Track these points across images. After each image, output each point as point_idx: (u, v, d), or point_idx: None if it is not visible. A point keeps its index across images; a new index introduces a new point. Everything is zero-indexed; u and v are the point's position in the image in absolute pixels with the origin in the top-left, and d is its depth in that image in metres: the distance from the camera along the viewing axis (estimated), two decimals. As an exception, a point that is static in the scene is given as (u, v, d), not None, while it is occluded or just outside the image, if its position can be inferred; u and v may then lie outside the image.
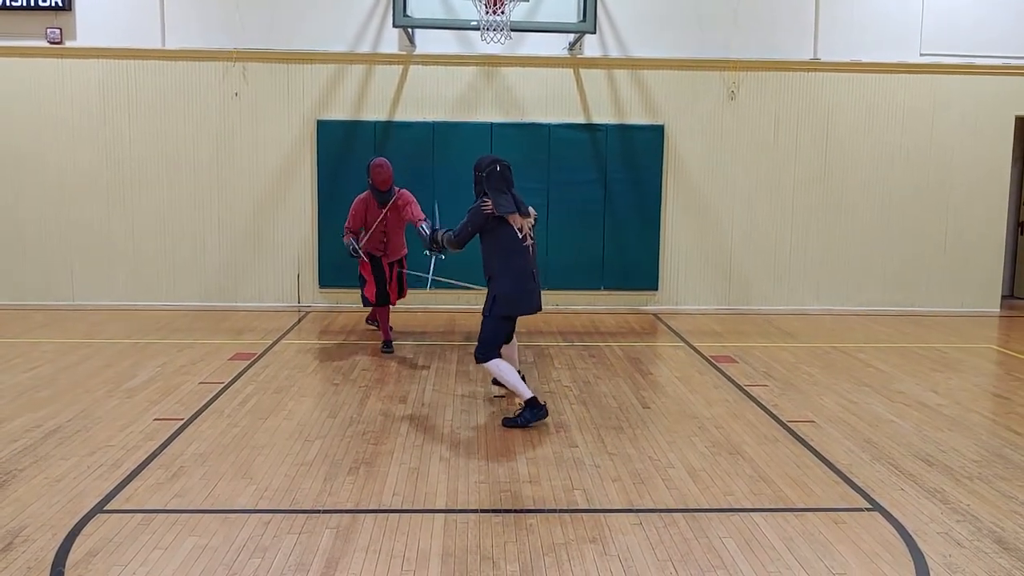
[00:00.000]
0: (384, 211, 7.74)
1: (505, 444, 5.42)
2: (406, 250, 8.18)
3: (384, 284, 7.91)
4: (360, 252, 7.75)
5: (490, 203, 5.82)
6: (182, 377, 6.99)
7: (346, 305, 10.27)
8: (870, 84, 10.50)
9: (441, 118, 10.23)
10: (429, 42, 10.12)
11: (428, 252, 6.68)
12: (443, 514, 4.32)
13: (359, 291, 8.18)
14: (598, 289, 10.59)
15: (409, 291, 8.42)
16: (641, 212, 10.44)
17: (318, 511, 4.33)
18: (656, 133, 10.37)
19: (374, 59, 10.20)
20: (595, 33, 9.71)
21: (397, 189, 7.77)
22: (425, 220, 7.26)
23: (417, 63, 10.23)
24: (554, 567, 3.77)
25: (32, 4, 9.83)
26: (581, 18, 9.18)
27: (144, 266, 10.31)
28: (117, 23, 9.99)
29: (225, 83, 10.14)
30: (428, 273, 7.28)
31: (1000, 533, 4.20)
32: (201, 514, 4.28)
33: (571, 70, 10.35)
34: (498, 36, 8.72)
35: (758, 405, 6.41)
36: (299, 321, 9.59)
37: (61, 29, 9.95)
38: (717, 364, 7.74)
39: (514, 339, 6.38)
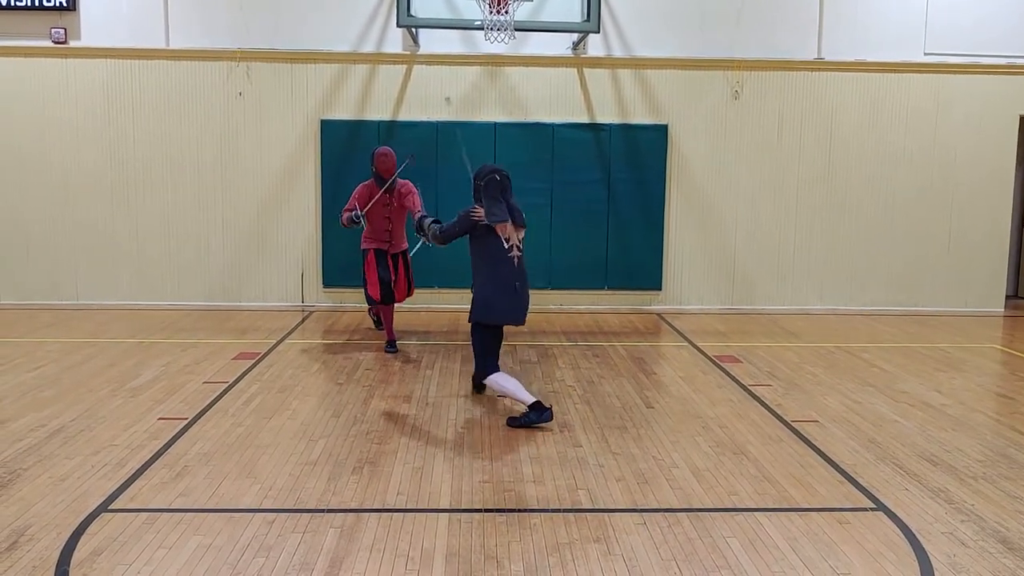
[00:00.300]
0: (385, 193, 7.73)
1: (509, 444, 5.43)
2: (406, 244, 8.18)
3: (389, 281, 7.91)
4: (363, 217, 7.73)
5: (480, 210, 5.87)
6: (186, 377, 7.00)
7: (350, 305, 10.28)
8: (874, 83, 10.48)
9: (444, 118, 10.24)
10: (433, 42, 10.13)
11: (417, 235, 6.89)
12: (447, 514, 4.32)
13: (363, 290, 8.18)
14: (602, 289, 10.58)
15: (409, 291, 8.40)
16: (645, 212, 10.43)
17: (322, 510, 4.33)
18: (660, 133, 10.37)
19: (378, 59, 10.21)
20: (599, 33, 9.73)
21: (400, 180, 7.80)
22: (423, 214, 7.26)
23: (421, 63, 10.23)
24: (558, 567, 3.77)
25: (36, 4, 9.84)
26: (585, 18, 9.19)
27: (148, 266, 10.32)
28: (121, 23, 10.01)
29: (229, 83, 10.15)
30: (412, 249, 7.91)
31: (1004, 533, 4.19)
32: (205, 513, 4.29)
33: (575, 70, 10.35)
34: (502, 36, 8.72)
35: (762, 405, 6.41)
36: (303, 321, 9.60)
37: (65, 29, 9.97)
38: (721, 364, 7.73)
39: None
